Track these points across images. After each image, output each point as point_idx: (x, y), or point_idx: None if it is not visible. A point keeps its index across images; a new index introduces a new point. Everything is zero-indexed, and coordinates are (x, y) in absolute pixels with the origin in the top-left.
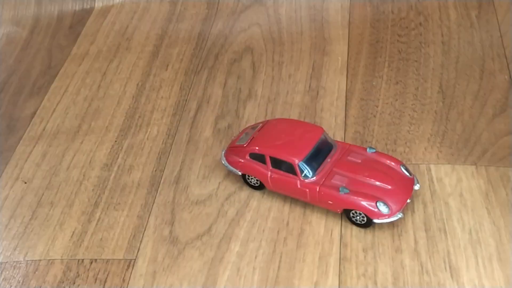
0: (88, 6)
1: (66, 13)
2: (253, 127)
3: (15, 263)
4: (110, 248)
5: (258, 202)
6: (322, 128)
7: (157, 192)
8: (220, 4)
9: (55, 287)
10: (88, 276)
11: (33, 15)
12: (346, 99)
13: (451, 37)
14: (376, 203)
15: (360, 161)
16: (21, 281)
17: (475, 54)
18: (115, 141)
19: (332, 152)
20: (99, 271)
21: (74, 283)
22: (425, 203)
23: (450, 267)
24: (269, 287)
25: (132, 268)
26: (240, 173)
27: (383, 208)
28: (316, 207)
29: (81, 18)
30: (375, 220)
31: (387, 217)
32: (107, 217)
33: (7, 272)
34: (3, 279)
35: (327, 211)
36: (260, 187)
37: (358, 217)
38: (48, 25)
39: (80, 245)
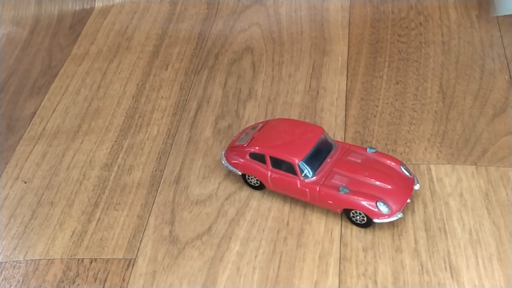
0: (88, 6)
1: (66, 13)
2: (253, 127)
3: (15, 263)
4: (110, 247)
5: (258, 202)
6: (322, 128)
7: (157, 192)
8: (220, 4)
9: (55, 286)
10: (88, 275)
11: (33, 15)
12: (346, 99)
13: (451, 37)
14: (376, 203)
15: (360, 161)
16: (21, 281)
17: (475, 54)
18: (115, 141)
19: (332, 152)
20: (99, 270)
21: (74, 282)
22: (425, 203)
23: (450, 267)
24: (269, 287)
25: (132, 267)
26: (240, 173)
27: (383, 208)
28: (316, 207)
29: (81, 18)
30: (375, 220)
31: (387, 216)
32: (107, 217)
33: (7, 271)
34: (3, 278)
35: (327, 211)
36: (260, 187)
37: (358, 217)
38: (48, 25)
39: (80, 244)
